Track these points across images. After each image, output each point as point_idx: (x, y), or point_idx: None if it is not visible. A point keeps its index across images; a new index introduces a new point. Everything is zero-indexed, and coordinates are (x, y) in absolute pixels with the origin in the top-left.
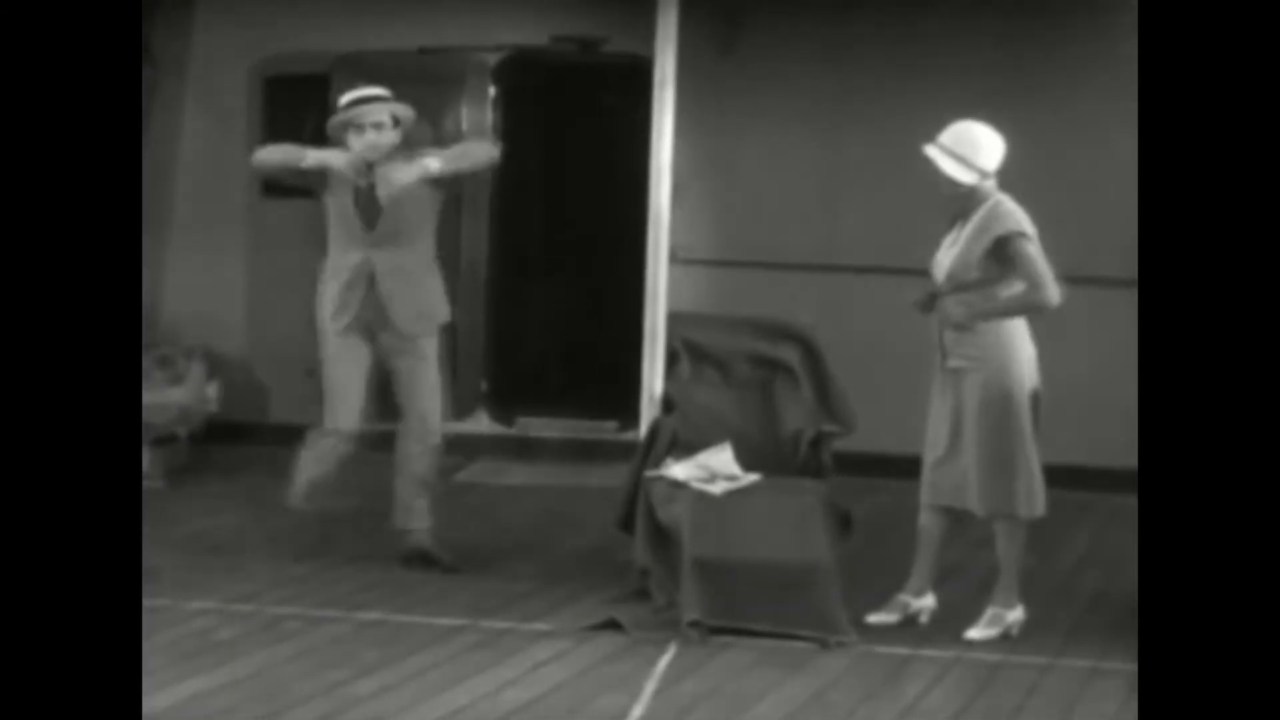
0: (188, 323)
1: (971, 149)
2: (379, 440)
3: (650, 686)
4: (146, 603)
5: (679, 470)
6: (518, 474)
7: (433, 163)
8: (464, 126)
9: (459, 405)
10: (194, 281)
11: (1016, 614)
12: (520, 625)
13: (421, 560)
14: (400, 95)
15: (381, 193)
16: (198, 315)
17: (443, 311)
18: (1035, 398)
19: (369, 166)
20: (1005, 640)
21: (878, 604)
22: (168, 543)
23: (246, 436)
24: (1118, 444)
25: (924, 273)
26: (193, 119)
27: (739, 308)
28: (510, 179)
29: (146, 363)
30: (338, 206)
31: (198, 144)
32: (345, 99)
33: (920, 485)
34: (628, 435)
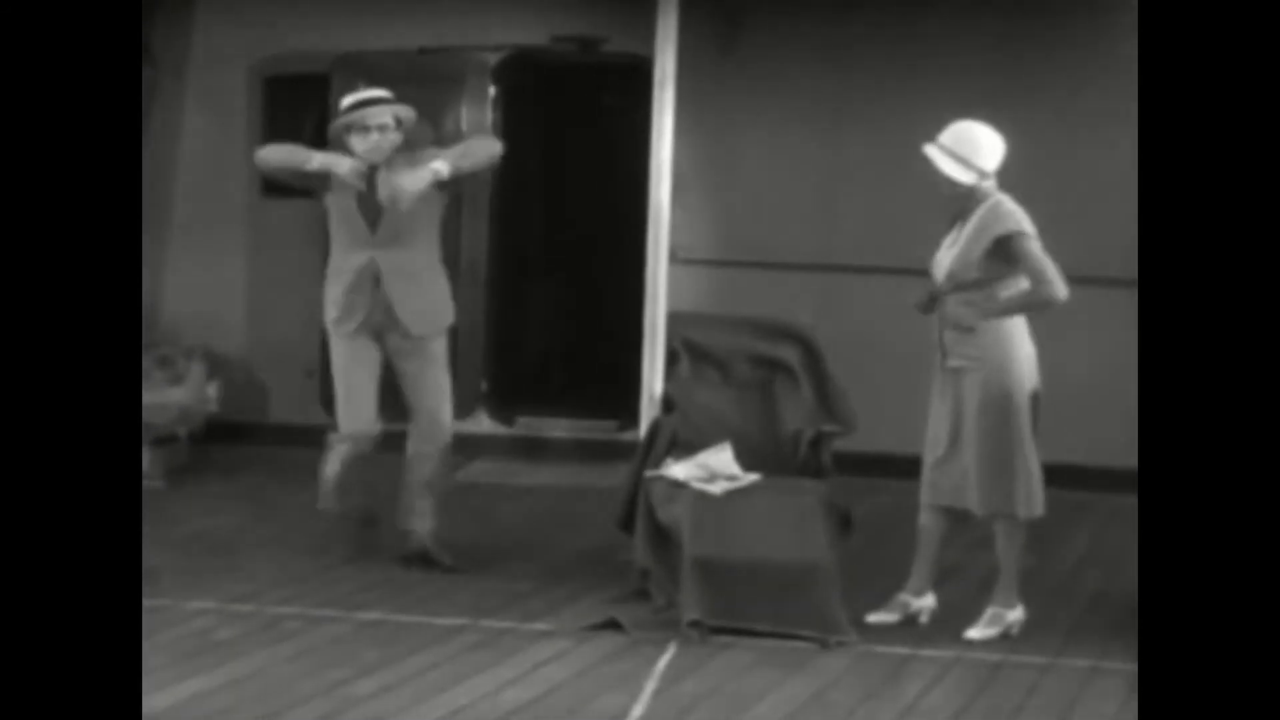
0: (188, 323)
1: (971, 149)
2: (386, 441)
3: (650, 686)
4: (146, 603)
5: (679, 470)
6: (518, 474)
7: (441, 166)
8: (464, 126)
9: (459, 405)
10: (194, 281)
11: (1017, 614)
12: (520, 625)
13: (422, 561)
14: (400, 95)
15: (384, 194)
16: (198, 315)
17: (449, 312)
18: (1035, 398)
19: (372, 169)
20: (1005, 640)
21: (878, 604)
22: (168, 543)
23: (246, 436)
24: (1118, 444)
25: (924, 272)
26: (193, 119)
27: (739, 307)
28: (510, 179)
29: (147, 363)
30: (340, 208)
31: (198, 144)
32: (347, 101)
33: (920, 485)
34: (628, 435)
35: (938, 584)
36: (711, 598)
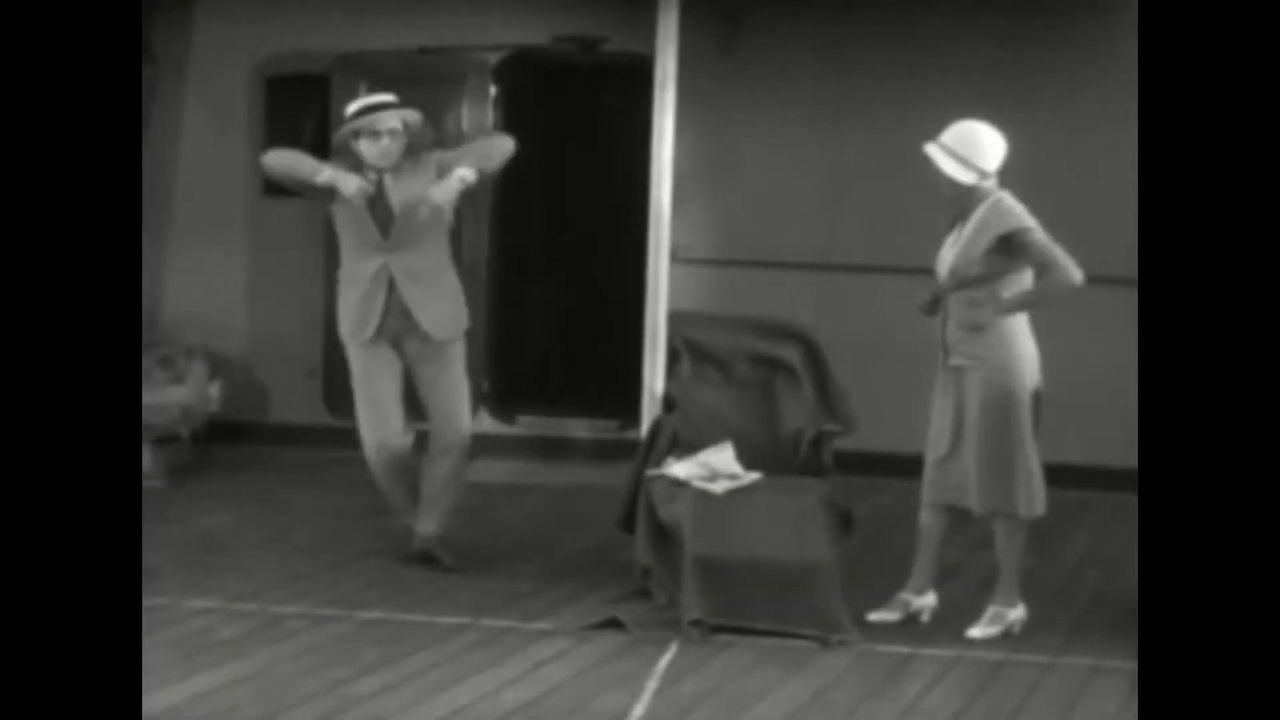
0: (189, 322)
1: (972, 149)
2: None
3: (651, 685)
4: (147, 602)
5: (680, 469)
6: (519, 473)
7: (468, 173)
8: (464, 126)
9: None
10: (195, 281)
11: (1018, 613)
12: (521, 624)
13: (423, 560)
14: (401, 95)
15: (395, 200)
16: (198, 315)
17: (465, 315)
18: (1037, 397)
19: (380, 175)
20: (1006, 639)
21: (879, 603)
22: (169, 542)
23: (247, 436)
24: (1118, 444)
25: (924, 271)
26: (193, 119)
27: (740, 307)
28: (511, 179)
29: (148, 362)
30: (349, 214)
31: (198, 144)
32: (354, 106)
33: (922, 484)
34: (629, 434)
35: (939, 583)
36: (712, 597)
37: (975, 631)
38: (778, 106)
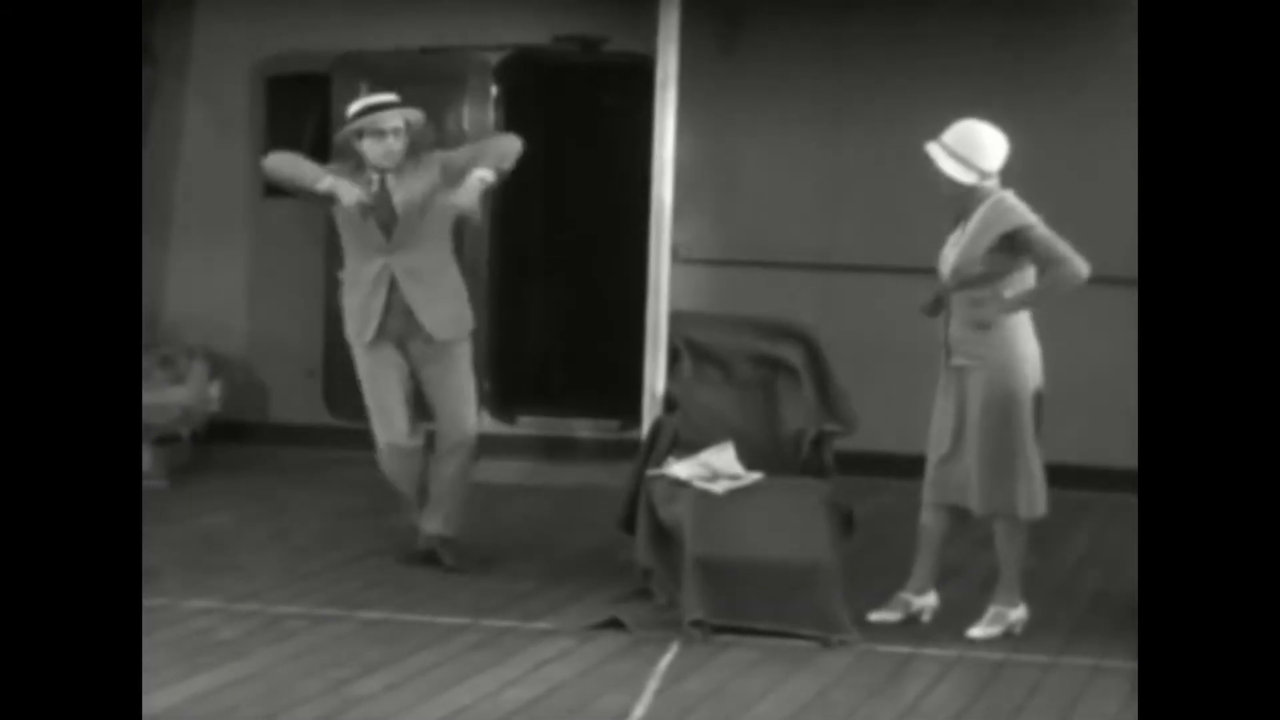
0: (189, 322)
1: (973, 150)
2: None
3: (652, 685)
4: (147, 602)
5: (681, 469)
6: (519, 474)
7: (487, 174)
8: (465, 126)
9: None
10: (195, 281)
11: (1019, 613)
12: (522, 624)
13: (425, 560)
14: (402, 95)
15: (397, 199)
16: (199, 315)
17: (470, 314)
18: (1039, 398)
19: (382, 176)
20: (1007, 639)
21: (879, 603)
22: (169, 542)
23: (247, 436)
24: (1118, 444)
25: (925, 271)
26: (193, 118)
27: (740, 307)
28: (511, 178)
29: (148, 363)
30: (351, 217)
31: (198, 144)
32: (357, 106)
33: (923, 484)
34: (630, 434)
35: (940, 583)
36: (713, 597)
37: (976, 631)
38: (778, 106)
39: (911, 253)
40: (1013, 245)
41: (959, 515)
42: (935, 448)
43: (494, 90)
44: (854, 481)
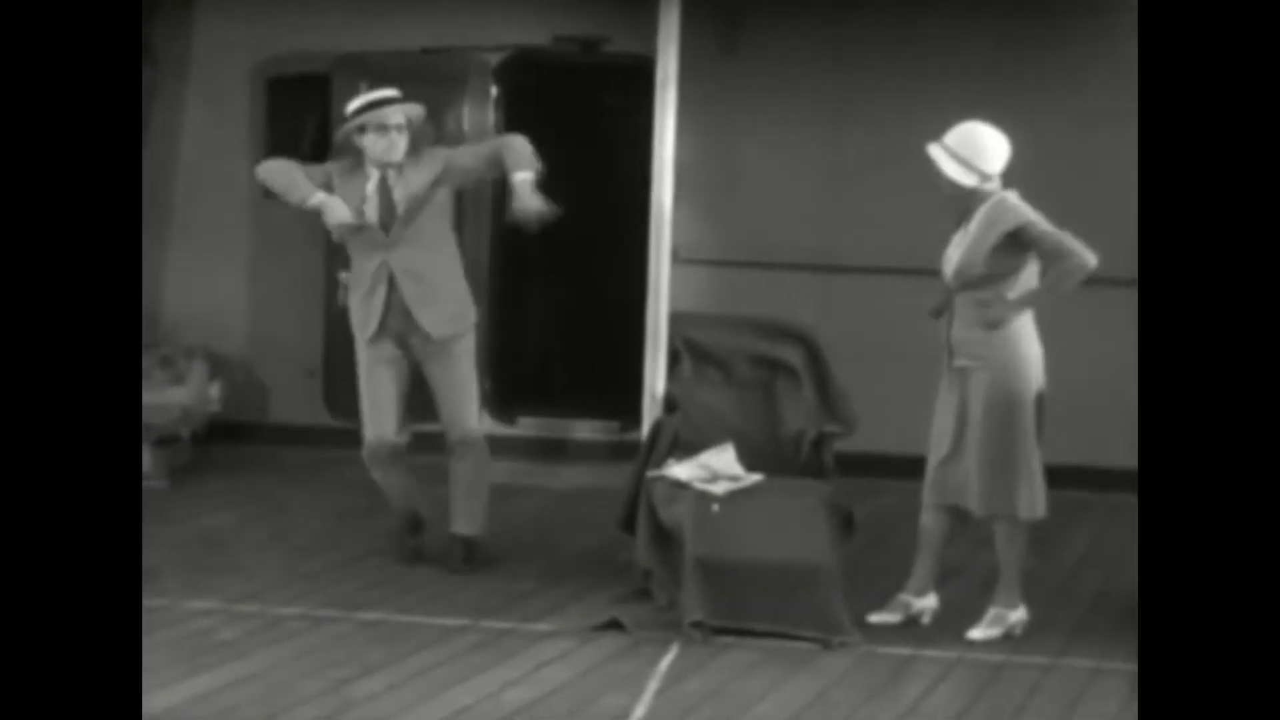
0: (189, 323)
1: (975, 152)
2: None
3: (653, 686)
4: (147, 603)
5: (681, 470)
6: (519, 474)
7: (527, 176)
8: (466, 127)
9: None
10: (195, 281)
11: (1019, 614)
12: (522, 625)
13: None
14: (403, 96)
15: (398, 196)
16: (199, 315)
17: (471, 312)
18: (1040, 399)
19: (385, 171)
20: (1007, 640)
21: (880, 604)
22: (169, 542)
23: (247, 436)
24: (1118, 444)
25: (925, 272)
26: (194, 119)
27: (740, 307)
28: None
29: (148, 363)
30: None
31: (198, 144)
32: (359, 102)
33: (923, 485)
34: (630, 435)
35: (940, 584)
36: (713, 598)
37: (976, 633)
38: (778, 106)
39: (912, 253)
40: (1016, 244)
41: (959, 516)
42: (936, 449)
43: (494, 91)
44: (854, 482)
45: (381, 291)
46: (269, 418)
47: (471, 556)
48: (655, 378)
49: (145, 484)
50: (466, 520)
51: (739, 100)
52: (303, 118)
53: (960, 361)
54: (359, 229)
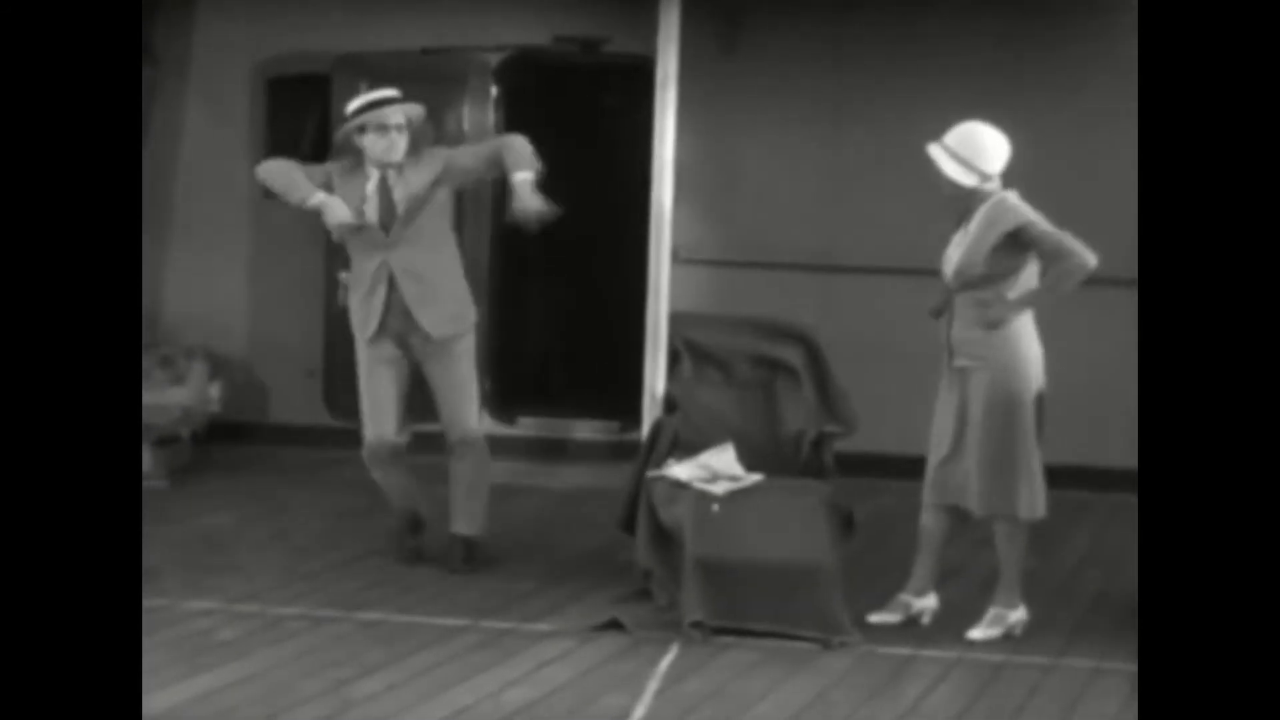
0: (189, 323)
1: (974, 152)
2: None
3: (653, 686)
4: (148, 603)
5: (681, 471)
6: (520, 475)
7: (527, 176)
8: (466, 127)
9: None
10: (195, 281)
11: (1019, 614)
12: (522, 625)
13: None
14: (403, 96)
15: (397, 196)
16: (199, 315)
17: (471, 311)
18: (1041, 399)
19: (383, 173)
20: (1007, 640)
21: (880, 604)
22: (170, 542)
23: (247, 436)
24: (1118, 444)
25: (925, 273)
26: (194, 119)
27: (740, 307)
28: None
29: (148, 363)
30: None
31: (198, 144)
32: (359, 102)
33: (923, 485)
34: (630, 435)
35: (940, 584)
36: (713, 598)
37: (976, 633)
38: (778, 106)
39: (912, 253)
40: (1016, 244)
41: (959, 516)
42: (936, 449)
43: (494, 91)
44: (854, 482)
45: (381, 291)
46: (269, 418)
47: (472, 556)
48: (655, 378)
49: (145, 484)
50: (466, 520)
51: (739, 100)
52: (303, 118)
53: (960, 361)
54: (359, 229)
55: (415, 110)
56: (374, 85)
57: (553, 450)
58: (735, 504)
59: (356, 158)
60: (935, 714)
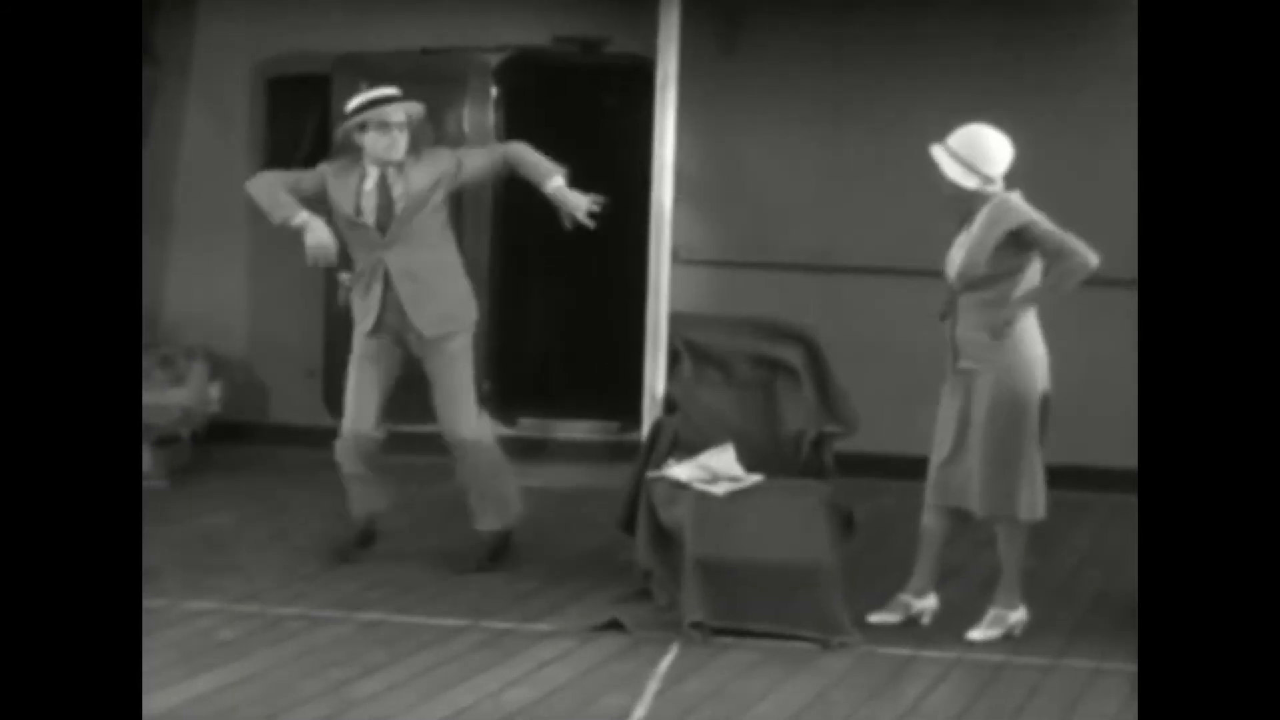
0: (189, 323)
1: (977, 154)
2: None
3: (653, 686)
4: (148, 603)
5: (681, 471)
6: (520, 475)
7: (559, 181)
8: (466, 127)
9: None
10: (195, 282)
11: (1019, 614)
12: (523, 625)
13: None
14: (403, 96)
15: (396, 194)
16: (199, 315)
17: (468, 311)
18: (1045, 401)
19: (382, 172)
20: (1007, 641)
21: (880, 604)
22: (170, 542)
23: (247, 436)
24: (1118, 444)
25: (924, 273)
26: (194, 119)
27: (740, 308)
28: (512, 179)
29: (148, 363)
30: (344, 221)
31: (199, 144)
32: (360, 99)
33: (925, 485)
34: (630, 436)
35: (940, 585)
36: (713, 598)
37: (976, 633)
38: (778, 106)
39: (912, 254)
40: (1018, 243)
41: (960, 517)
42: (937, 450)
43: (494, 91)
44: (854, 483)
45: (377, 290)
46: (269, 418)
47: (496, 555)
48: (655, 378)
49: (145, 484)
50: (493, 516)
51: (739, 100)
52: (303, 118)
53: (965, 363)
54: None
55: (415, 109)
56: (374, 85)
57: (553, 450)
58: (735, 504)
59: (354, 156)
60: (935, 714)
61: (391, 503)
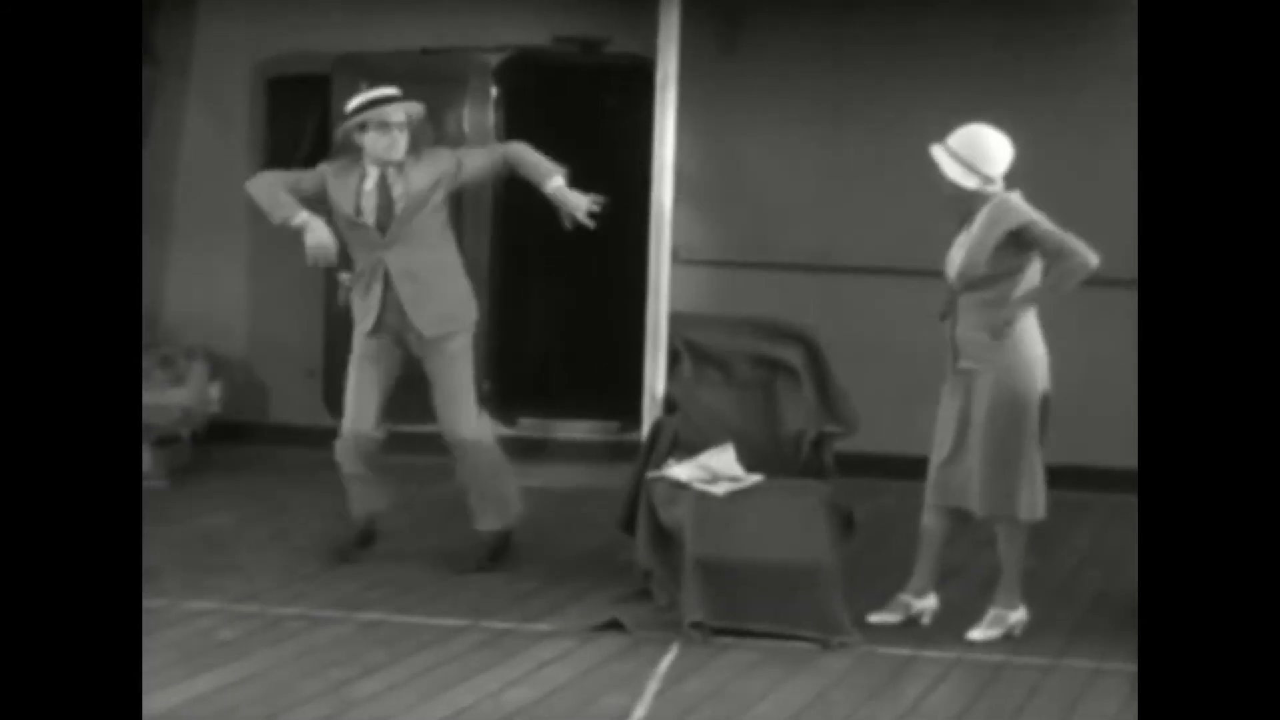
0: (189, 323)
1: (977, 155)
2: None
3: (653, 686)
4: (147, 603)
5: (681, 471)
6: (520, 475)
7: (560, 181)
8: (466, 127)
9: None
10: (195, 281)
11: (1019, 614)
12: (523, 625)
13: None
14: (403, 96)
15: (396, 194)
16: (199, 315)
17: (468, 312)
18: (1045, 401)
19: (382, 171)
20: (1007, 641)
21: (880, 604)
22: (170, 542)
23: (247, 436)
24: (1118, 444)
25: (925, 273)
26: (194, 119)
27: (740, 308)
28: (512, 179)
29: (148, 363)
30: (344, 221)
31: (199, 144)
32: (360, 99)
33: (925, 485)
34: (630, 436)
35: (940, 585)
36: (713, 598)
37: (976, 633)
38: (778, 106)
39: (912, 254)
40: (1018, 243)
41: (960, 517)
42: (937, 450)
43: (494, 91)
44: (854, 483)
45: (377, 290)
46: (269, 418)
47: (497, 554)
48: (655, 378)
49: (145, 484)
50: (483, 518)
51: (739, 100)
52: (303, 118)
53: (965, 363)
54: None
55: (415, 109)
56: (374, 85)
57: (553, 450)
58: (735, 504)
59: (354, 156)
60: (935, 714)
61: (391, 503)
